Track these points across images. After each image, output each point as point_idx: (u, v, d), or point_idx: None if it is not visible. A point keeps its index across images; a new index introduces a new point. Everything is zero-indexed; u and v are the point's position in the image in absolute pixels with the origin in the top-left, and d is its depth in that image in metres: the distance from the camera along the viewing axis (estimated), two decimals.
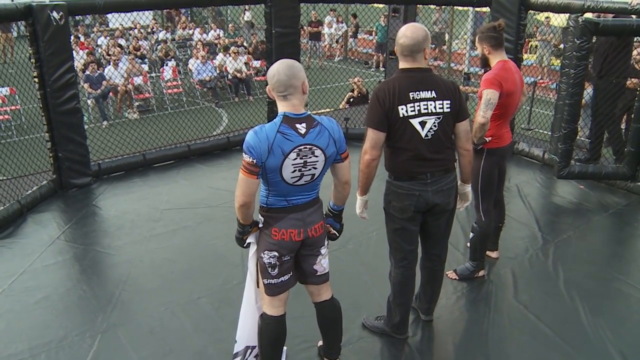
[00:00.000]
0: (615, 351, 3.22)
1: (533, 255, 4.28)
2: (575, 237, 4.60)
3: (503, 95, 3.45)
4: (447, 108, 2.85)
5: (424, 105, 2.81)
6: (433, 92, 2.83)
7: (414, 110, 2.80)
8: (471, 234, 3.85)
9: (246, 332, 2.84)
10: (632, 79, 7.92)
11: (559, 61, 11.62)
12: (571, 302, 3.69)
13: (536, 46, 13.68)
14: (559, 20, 8.38)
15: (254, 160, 2.40)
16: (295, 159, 2.44)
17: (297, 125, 2.44)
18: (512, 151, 3.81)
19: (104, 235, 4.67)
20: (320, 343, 3.11)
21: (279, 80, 2.44)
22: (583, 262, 4.21)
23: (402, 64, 2.88)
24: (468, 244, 3.95)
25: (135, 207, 5.13)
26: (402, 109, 2.78)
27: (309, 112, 2.51)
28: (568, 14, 5.33)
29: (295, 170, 2.46)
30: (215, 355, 3.19)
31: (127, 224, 4.78)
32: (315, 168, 2.51)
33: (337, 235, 2.89)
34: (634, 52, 8.38)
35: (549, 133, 6.59)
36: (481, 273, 3.92)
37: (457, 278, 3.89)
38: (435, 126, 2.84)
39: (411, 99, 2.79)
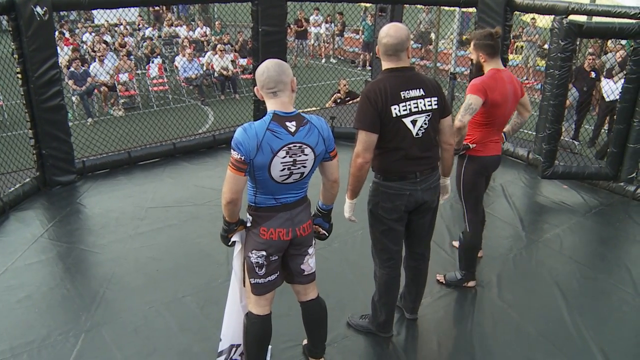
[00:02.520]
0: (597, 349, 3.26)
1: (517, 255, 4.32)
2: (558, 236, 4.64)
3: (487, 104, 3.38)
4: (435, 105, 2.87)
5: (414, 103, 2.81)
6: (421, 89, 2.83)
7: (405, 110, 2.79)
8: (458, 243, 3.83)
9: (231, 331, 2.83)
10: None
11: (544, 62, 11.73)
12: (554, 301, 3.73)
13: (522, 47, 13.78)
14: (545, 21, 8.45)
15: (242, 157, 2.39)
16: (285, 157, 2.43)
17: (287, 124, 2.44)
18: (498, 164, 3.74)
19: (88, 233, 4.64)
20: (305, 342, 3.12)
21: (269, 76, 2.44)
22: (566, 261, 4.26)
23: (387, 64, 2.86)
24: (454, 243, 3.96)
25: (120, 205, 5.09)
26: (394, 108, 2.78)
27: (298, 111, 2.51)
28: (553, 16, 5.37)
29: (284, 169, 2.46)
30: (200, 353, 3.18)
31: (112, 222, 4.74)
32: (304, 166, 2.51)
33: (327, 235, 2.89)
34: (617, 55, 8.54)
35: (534, 133, 6.64)
36: (471, 283, 3.85)
37: (444, 283, 3.86)
38: (425, 124, 2.86)
39: (402, 98, 2.78)
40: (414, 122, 2.83)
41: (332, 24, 16.80)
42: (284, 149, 2.42)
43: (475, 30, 4.20)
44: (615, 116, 5.46)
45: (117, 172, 5.89)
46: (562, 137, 5.67)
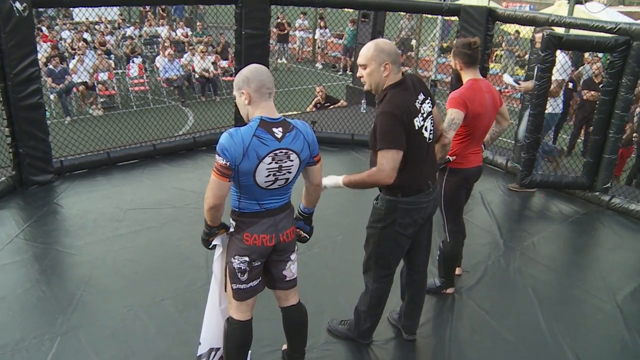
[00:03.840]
0: (572, 355, 3.32)
1: (495, 262, 4.37)
2: (535, 244, 4.71)
3: (469, 117, 3.37)
4: (430, 105, 2.91)
5: (423, 109, 2.83)
6: (422, 93, 2.85)
7: (422, 119, 2.80)
8: (438, 252, 3.84)
9: (210, 334, 2.81)
10: (591, 92, 8.22)
11: (523, 71, 11.92)
12: (531, 308, 3.79)
13: (501, 56, 13.97)
14: (526, 32, 8.60)
15: (227, 163, 2.37)
16: (270, 163, 2.43)
17: (274, 130, 2.43)
18: (479, 175, 3.75)
19: (65, 234, 4.57)
20: (285, 347, 3.11)
21: (262, 80, 2.43)
22: (542, 269, 4.33)
23: (395, 78, 2.79)
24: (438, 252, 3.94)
25: (98, 206, 5.03)
26: (417, 121, 2.76)
27: (283, 117, 2.50)
28: (533, 27, 5.47)
29: (269, 175, 2.45)
30: (179, 357, 3.16)
31: (90, 224, 4.68)
32: (289, 172, 2.51)
33: (308, 237, 2.89)
34: (594, 67, 8.71)
35: (513, 142, 6.73)
36: (449, 290, 3.88)
37: None
38: (432, 126, 2.90)
39: (418, 108, 2.78)
40: (426, 129, 2.85)
41: (327, 30, 16.84)
42: (270, 155, 2.42)
43: (458, 39, 4.25)
44: (591, 126, 5.57)
45: (96, 172, 5.82)
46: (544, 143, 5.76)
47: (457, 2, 11.18)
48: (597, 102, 5.43)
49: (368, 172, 2.79)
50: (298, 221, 2.81)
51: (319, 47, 17.06)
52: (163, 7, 17.07)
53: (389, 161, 2.69)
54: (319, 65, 16.55)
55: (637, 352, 3.40)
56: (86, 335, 3.31)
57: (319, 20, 17.12)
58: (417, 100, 2.79)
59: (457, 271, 4.06)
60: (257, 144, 2.39)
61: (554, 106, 5.56)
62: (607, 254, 4.68)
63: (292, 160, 2.48)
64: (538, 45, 5.52)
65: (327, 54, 17.05)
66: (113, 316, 3.49)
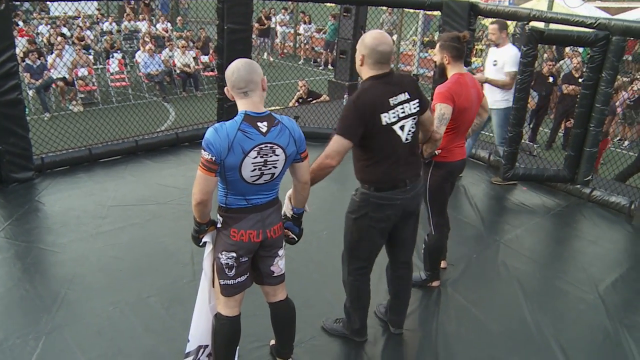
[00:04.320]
0: (556, 346, 3.37)
1: (479, 255, 4.42)
2: (519, 237, 4.77)
3: (455, 111, 3.39)
4: (418, 107, 2.87)
5: (401, 108, 2.79)
6: (407, 93, 2.82)
7: (395, 116, 2.77)
8: (423, 245, 3.86)
9: (199, 332, 2.80)
10: (570, 86, 8.33)
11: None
12: (515, 300, 3.84)
13: (482, 50, 14.06)
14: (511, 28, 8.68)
15: (213, 158, 2.37)
16: (256, 157, 2.42)
17: (259, 124, 2.43)
18: (463, 168, 3.78)
19: (47, 232, 4.50)
20: (273, 342, 3.11)
21: (239, 76, 2.42)
22: (526, 261, 4.38)
23: (374, 71, 2.79)
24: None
25: (80, 203, 4.97)
26: (384, 116, 2.74)
27: (269, 111, 2.50)
28: (515, 22, 5.51)
29: (255, 169, 2.44)
30: (166, 354, 3.13)
31: (73, 221, 4.62)
32: (275, 167, 2.50)
33: (296, 240, 2.88)
34: (574, 61, 8.82)
35: (495, 135, 6.79)
36: (435, 283, 3.92)
37: None
38: (412, 127, 2.87)
39: (391, 105, 2.76)
40: (402, 128, 2.82)
41: (312, 24, 16.77)
42: (255, 149, 2.41)
43: (443, 33, 4.25)
44: (573, 120, 5.64)
45: (77, 169, 5.74)
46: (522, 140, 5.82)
47: None
48: (578, 96, 5.50)
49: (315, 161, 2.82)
50: (287, 222, 2.81)
51: (304, 42, 16.99)
52: (147, 2, 16.88)
53: (334, 144, 2.75)
54: (302, 62, 16.50)
55: (619, 341, 3.47)
56: (72, 333, 3.27)
57: (301, 15, 17.07)
58: (395, 98, 2.77)
59: (442, 264, 4.09)
60: (242, 138, 2.38)
61: (508, 100, 5.54)
62: (589, 245, 4.75)
63: (277, 155, 2.48)
64: (491, 37, 5.58)
65: (313, 48, 16.98)
66: (99, 314, 3.45)
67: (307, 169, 2.68)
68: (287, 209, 2.85)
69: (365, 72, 2.83)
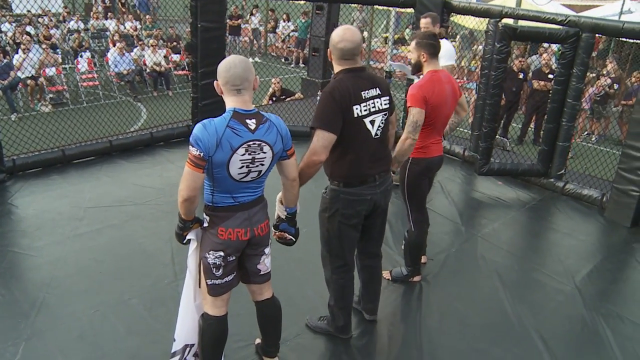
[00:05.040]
0: (536, 336, 3.44)
1: (458, 249, 4.48)
2: (496, 230, 4.86)
3: (428, 108, 3.41)
4: (388, 104, 2.91)
5: (372, 103, 2.82)
6: (378, 89, 2.85)
7: (366, 110, 2.80)
8: (403, 241, 3.89)
9: (185, 330, 2.78)
10: (541, 82, 8.48)
11: (474, 62, 12.17)
12: (495, 292, 3.91)
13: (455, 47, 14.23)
14: (471, 22, 8.78)
15: (201, 154, 2.35)
16: (244, 154, 2.41)
17: (247, 121, 2.42)
18: (441, 164, 3.81)
19: (22, 235, 4.39)
20: (258, 341, 3.11)
21: (235, 73, 2.40)
22: (504, 254, 4.46)
23: (343, 66, 2.83)
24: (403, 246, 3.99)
25: (55, 205, 4.87)
26: (356, 108, 2.76)
27: (257, 109, 2.49)
28: (488, 19, 5.60)
29: (242, 166, 2.43)
30: (151, 356, 3.10)
31: (48, 224, 4.53)
32: (262, 164, 2.49)
33: (294, 240, 2.88)
34: (544, 56, 8.99)
35: (470, 132, 6.89)
36: (416, 278, 3.96)
37: (390, 279, 3.94)
38: (382, 123, 2.89)
39: (363, 98, 2.79)
40: (372, 122, 2.84)
41: (290, 22, 16.64)
42: (243, 146, 2.40)
43: (418, 31, 4.29)
44: (545, 115, 5.75)
45: (51, 170, 5.62)
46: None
47: None
48: (550, 92, 5.62)
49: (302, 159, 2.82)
50: (282, 223, 2.80)
51: (281, 40, 16.88)
52: (123, 1, 16.59)
53: (319, 140, 2.74)
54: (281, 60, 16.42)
55: (596, 330, 3.56)
56: (53, 338, 3.20)
57: (270, 13, 16.98)
58: (367, 91, 2.80)
59: (423, 259, 4.13)
60: (231, 135, 2.37)
61: None
62: (564, 238, 4.86)
63: (265, 152, 2.47)
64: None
65: (289, 47, 16.86)
66: (80, 317, 3.39)
67: (295, 166, 2.68)
68: (279, 210, 2.85)
69: (336, 66, 2.87)
